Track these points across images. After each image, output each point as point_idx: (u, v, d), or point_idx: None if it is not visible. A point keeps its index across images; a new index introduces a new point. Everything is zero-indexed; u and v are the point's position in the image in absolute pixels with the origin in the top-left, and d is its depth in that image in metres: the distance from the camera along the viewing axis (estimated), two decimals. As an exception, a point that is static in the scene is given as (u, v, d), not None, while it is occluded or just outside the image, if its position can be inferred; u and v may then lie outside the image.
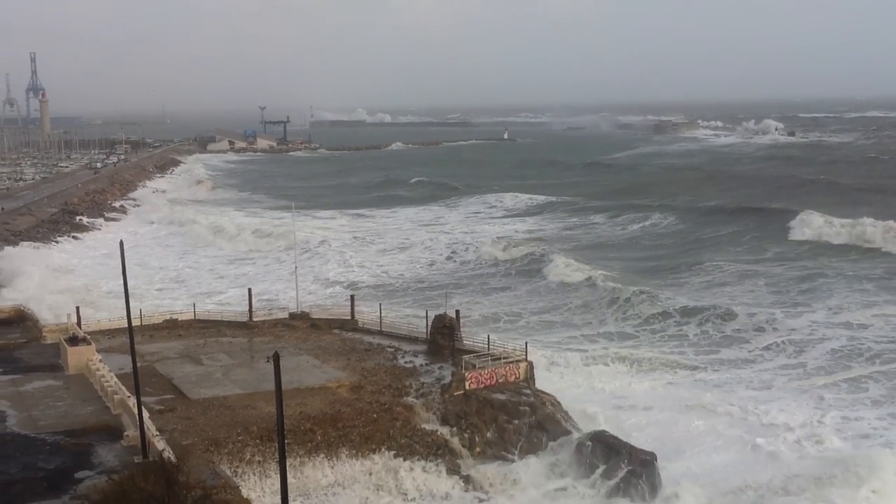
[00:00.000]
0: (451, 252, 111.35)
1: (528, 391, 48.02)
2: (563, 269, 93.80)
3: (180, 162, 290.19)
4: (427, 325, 56.00)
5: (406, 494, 41.53)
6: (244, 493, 35.28)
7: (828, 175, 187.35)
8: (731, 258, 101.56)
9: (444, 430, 44.57)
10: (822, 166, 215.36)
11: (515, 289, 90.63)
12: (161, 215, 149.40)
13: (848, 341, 67.30)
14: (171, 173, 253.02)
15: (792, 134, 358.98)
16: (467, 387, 46.63)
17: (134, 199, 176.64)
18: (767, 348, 67.21)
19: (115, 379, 43.76)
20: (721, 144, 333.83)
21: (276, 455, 32.61)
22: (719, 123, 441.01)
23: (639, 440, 46.10)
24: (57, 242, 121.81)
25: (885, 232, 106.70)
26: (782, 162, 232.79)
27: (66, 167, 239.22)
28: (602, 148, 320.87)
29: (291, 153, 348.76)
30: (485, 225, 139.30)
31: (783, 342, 67.72)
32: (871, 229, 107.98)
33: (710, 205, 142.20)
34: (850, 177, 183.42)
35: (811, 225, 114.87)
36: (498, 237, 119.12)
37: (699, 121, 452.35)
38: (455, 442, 44.41)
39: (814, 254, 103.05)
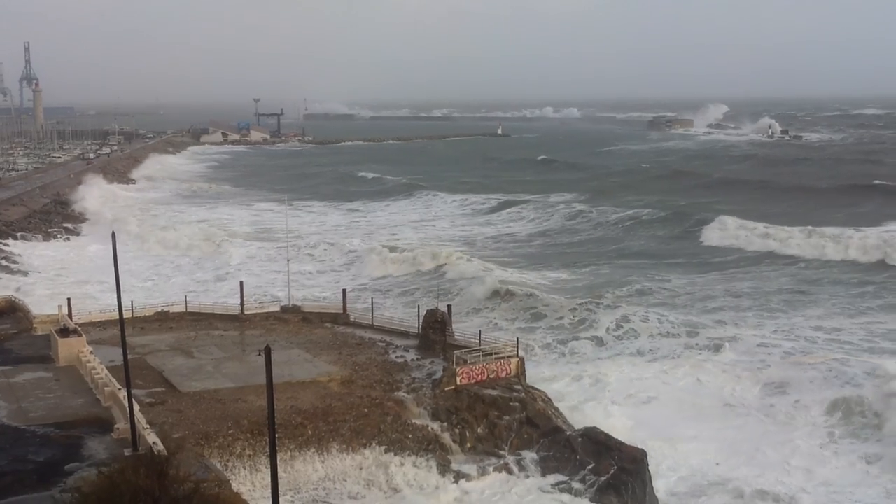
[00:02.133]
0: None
1: (520, 387, 48.05)
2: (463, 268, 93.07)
3: (172, 153, 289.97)
4: (419, 320, 56.03)
5: (397, 489, 41.56)
6: (234, 486, 35.20)
7: (790, 177, 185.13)
8: (640, 261, 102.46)
9: (435, 426, 44.60)
10: (790, 166, 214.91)
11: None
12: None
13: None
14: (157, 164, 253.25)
15: (785, 132, 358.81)
16: (458, 382, 46.62)
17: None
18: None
19: (106, 371, 43.60)
20: (707, 142, 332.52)
21: (267, 449, 32.58)
22: (714, 120, 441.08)
23: (633, 437, 46.37)
24: (49, 233, 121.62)
25: (788, 238, 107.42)
26: (755, 162, 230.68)
27: (59, 157, 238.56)
28: (587, 145, 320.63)
29: (262, 146, 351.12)
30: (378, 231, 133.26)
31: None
32: (771, 241, 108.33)
33: (645, 206, 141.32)
34: (815, 178, 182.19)
35: (722, 230, 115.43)
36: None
37: (691, 117, 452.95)
38: (446, 437, 44.44)
39: (717, 260, 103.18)
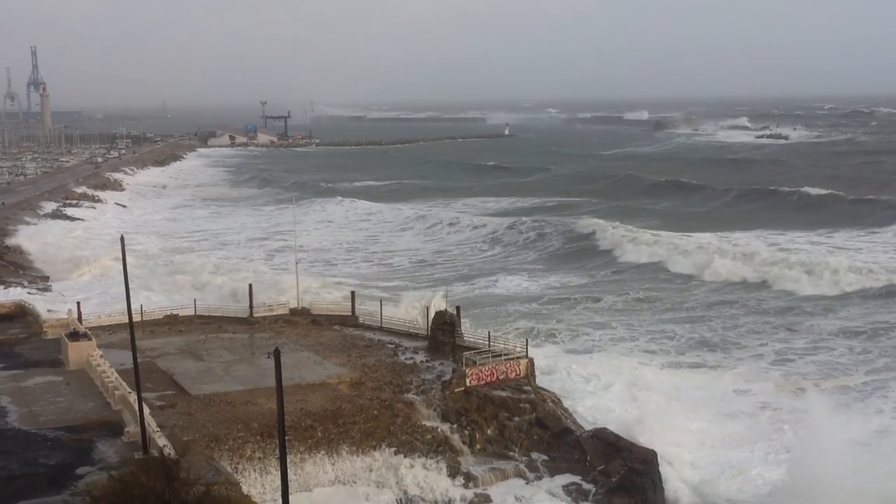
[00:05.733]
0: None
1: (529, 388, 48.00)
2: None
3: (181, 157, 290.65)
4: (427, 322, 55.98)
5: (406, 491, 41.53)
6: (245, 489, 35.27)
7: (748, 179, 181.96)
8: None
9: (445, 427, 44.56)
10: (762, 168, 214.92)
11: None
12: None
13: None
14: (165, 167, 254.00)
15: (780, 134, 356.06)
16: (468, 384, 46.56)
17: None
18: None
19: (116, 374, 43.72)
20: (705, 143, 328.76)
21: (277, 451, 32.58)
22: (722, 122, 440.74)
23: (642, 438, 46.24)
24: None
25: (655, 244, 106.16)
26: (728, 166, 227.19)
27: (67, 161, 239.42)
28: (579, 146, 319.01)
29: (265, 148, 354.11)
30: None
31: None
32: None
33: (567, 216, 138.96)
34: (767, 181, 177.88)
35: (597, 233, 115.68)
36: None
37: (694, 118, 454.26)
38: (455, 439, 44.40)
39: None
